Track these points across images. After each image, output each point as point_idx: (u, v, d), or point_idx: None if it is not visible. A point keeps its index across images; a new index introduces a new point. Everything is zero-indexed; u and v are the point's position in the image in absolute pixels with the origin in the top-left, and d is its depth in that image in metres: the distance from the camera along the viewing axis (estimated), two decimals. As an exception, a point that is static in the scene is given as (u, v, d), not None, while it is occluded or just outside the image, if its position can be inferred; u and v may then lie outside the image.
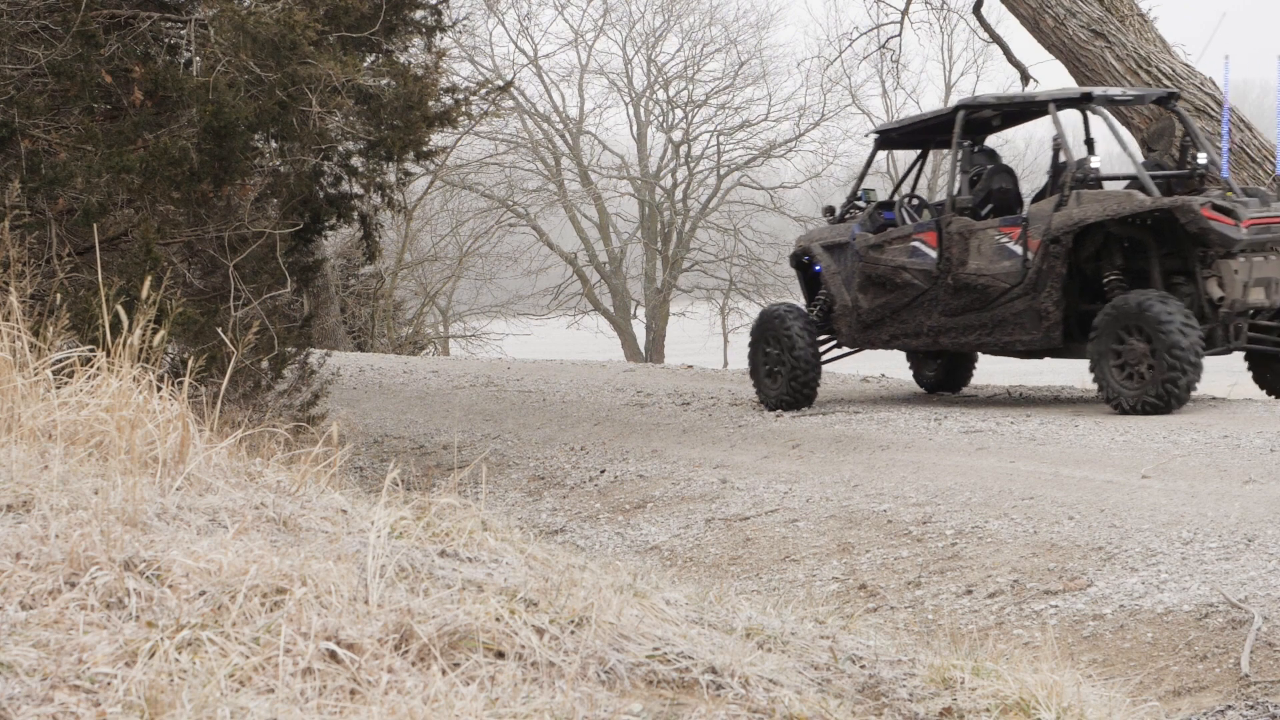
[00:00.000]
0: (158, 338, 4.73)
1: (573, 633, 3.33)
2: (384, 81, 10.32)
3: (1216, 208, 10.48)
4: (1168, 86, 10.55)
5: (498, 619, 3.27)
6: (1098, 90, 11.85)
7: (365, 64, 10.40)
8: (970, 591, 6.83)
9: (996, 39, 13.71)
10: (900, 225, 12.27)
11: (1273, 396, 11.55)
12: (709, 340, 35.91)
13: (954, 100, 13.07)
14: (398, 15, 10.95)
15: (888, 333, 12.30)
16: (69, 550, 3.29)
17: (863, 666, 3.65)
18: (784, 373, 12.36)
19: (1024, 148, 42.21)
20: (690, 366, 17.52)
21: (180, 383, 4.61)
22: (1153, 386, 10.43)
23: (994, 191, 12.13)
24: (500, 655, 3.20)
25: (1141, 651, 5.78)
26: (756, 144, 35.69)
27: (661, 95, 36.98)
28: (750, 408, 12.65)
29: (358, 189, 11.64)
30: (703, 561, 8.15)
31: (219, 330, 7.75)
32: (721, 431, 11.53)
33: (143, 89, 8.87)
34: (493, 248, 35.86)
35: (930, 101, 38.74)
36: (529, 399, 14.85)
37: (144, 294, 4.83)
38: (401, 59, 11.42)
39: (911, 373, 13.63)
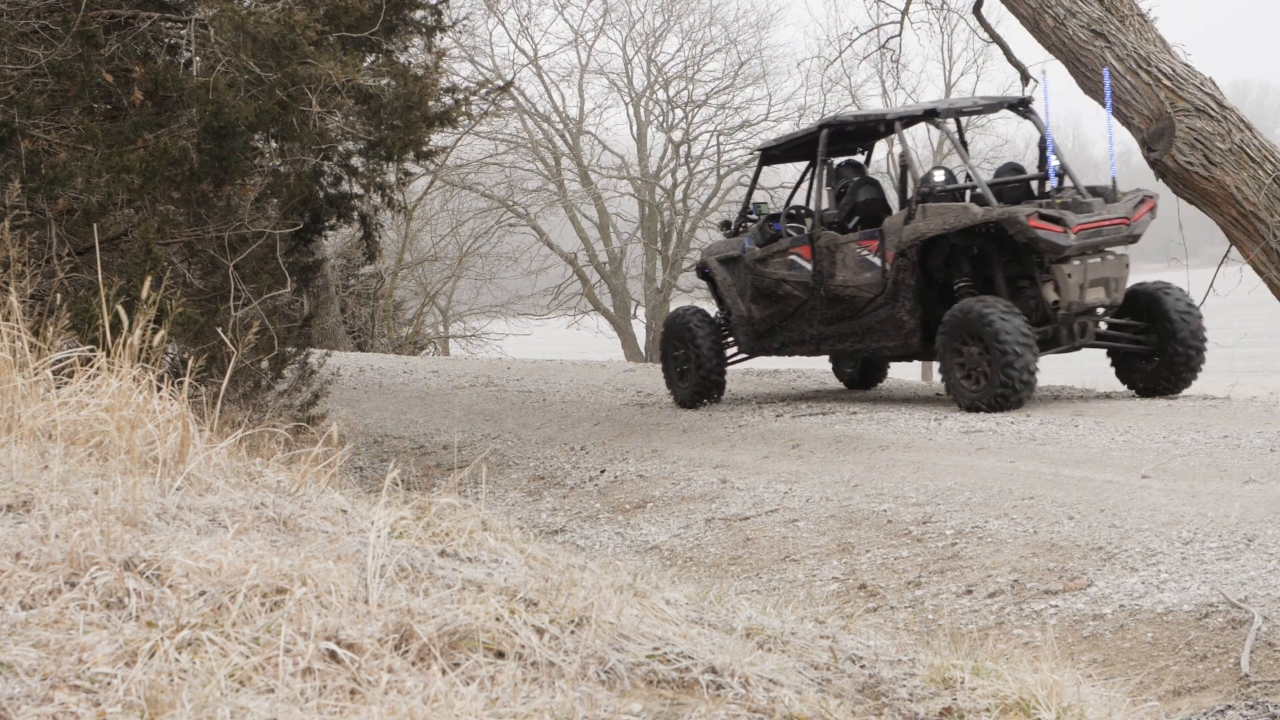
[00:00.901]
0: (158, 338, 4.73)
1: (573, 633, 3.33)
2: (384, 81, 10.33)
3: (1044, 216, 11.03)
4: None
5: (498, 619, 3.27)
6: (942, 104, 12.61)
7: (365, 64, 10.41)
8: (970, 591, 6.83)
9: (996, 39, 13.70)
10: (784, 238, 13.02)
11: (1133, 392, 12.09)
12: (709, 340, 35.78)
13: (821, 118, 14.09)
14: (398, 15, 10.96)
15: (778, 340, 13.08)
16: (69, 550, 3.29)
17: (863, 666, 3.65)
18: (691, 373, 13.27)
19: (1024, 148, 42.19)
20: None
21: (180, 383, 4.61)
22: (987, 393, 11.12)
23: (860, 204, 12.75)
24: (500, 655, 3.20)
25: (1141, 651, 5.78)
26: (757, 144, 35.64)
27: (661, 95, 36.95)
28: (750, 407, 12.65)
29: (358, 189, 11.66)
30: (703, 561, 8.15)
31: (219, 330, 7.75)
32: (721, 431, 11.53)
33: (143, 89, 8.87)
34: (493, 248, 35.85)
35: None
36: (529, 399, 14.85)
37: (144, 294, 4.83)
38: (401, 59, 11.43)
39: (833, 370, 14.49)
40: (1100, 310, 11.58)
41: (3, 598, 3.13)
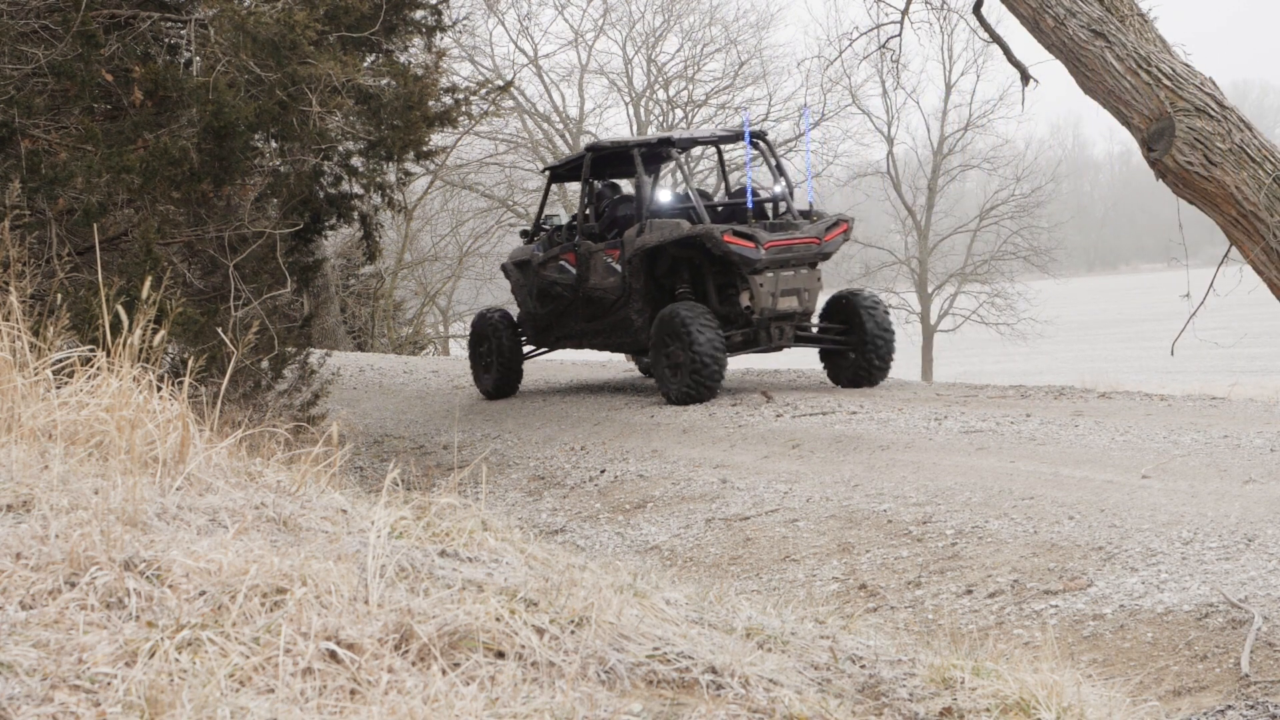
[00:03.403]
0: (158, 338, 4.72)
1: (573, 633, 3.33)
2: (384, 81, 10.33)
3: (737, 233, 12.78)
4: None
5: (498, 619, 3.27)
6: (677, 135, 14.67)
7: (365, 64, 10.41)
8: (970, 591, 6.83)
9: (996, 39, 13.73)
10: (558, 246, 14.83)
11: (837, 384, 13.76)
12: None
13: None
14: (398, 15, 10.96)
15: (554, 335, 14.92)
16: (69, 550, 3.29)
17: (863, 666, 3.65)
18: (494, 366, 15.06)
19: (1024, 147, 42.17)
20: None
21: (180, 383, 4.60)
22: (684, 384, 12.81)
23: (618, 218, 14.39)
24: (500, 655, 3.20)
25: (1141, 651, 5.78)
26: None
27: (661, 95, 36.91)
28: (750, 407, 12.65)
29: (358, 189, 11.66)
30: (703, 561, 8.15)
31: (219, 330, 7.75)
32: (721, 431, 11.53)
33: (143, 89, 8.87)
34: (493, 248, 35.78)
35: (931, 101, 38.81)
36: (529, 399, 14.86)
37: (144, 294, 4.82)
38: (401, 59, 11.43)
39: (634, 363, 16.10)
40: (795, 316, 13.24)
41: (3, 598, 3.13)
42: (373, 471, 11.01)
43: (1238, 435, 9.21)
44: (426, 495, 4.23)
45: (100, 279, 5.29)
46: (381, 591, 3.36)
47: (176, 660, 2.92)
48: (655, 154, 14.75)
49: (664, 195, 14.09)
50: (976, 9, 12.00)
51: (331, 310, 26.30)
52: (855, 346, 13.48)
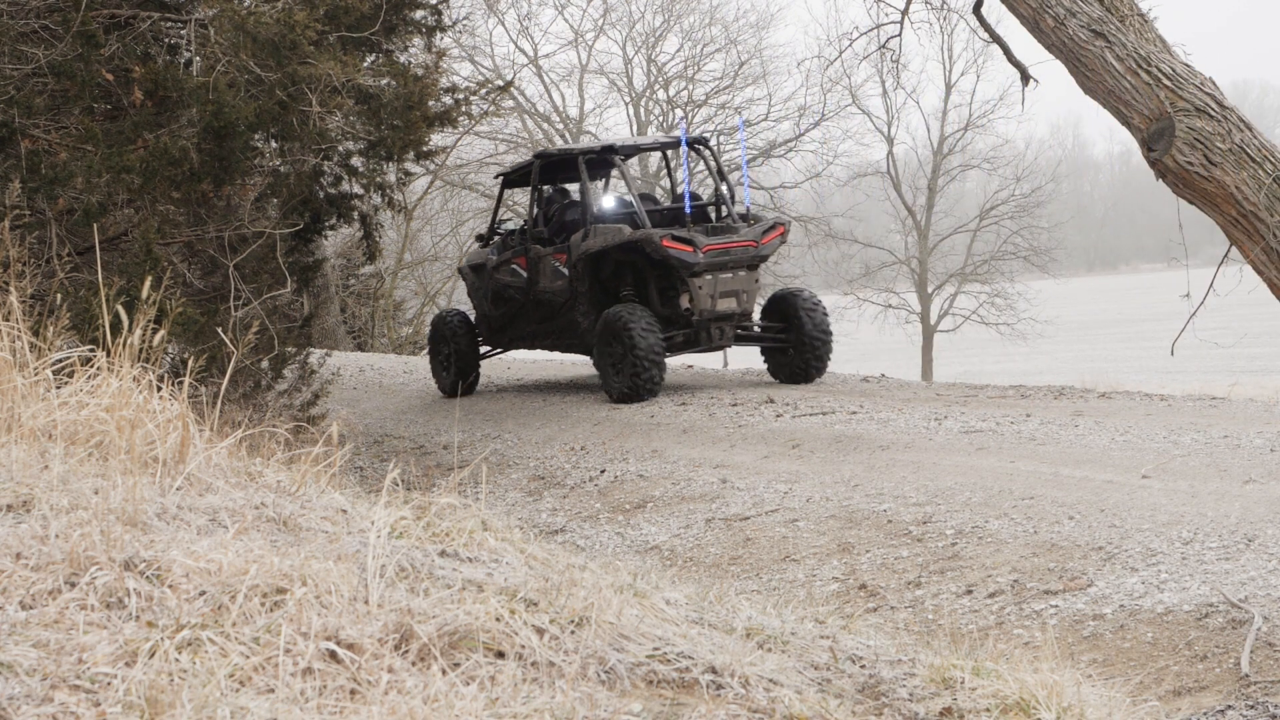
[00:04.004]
0: (158, 338, 4.72)
1: (573, 633, 3.33)
2: (384, 81, 10.33)
3: (676, 238, 13.23)
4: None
5: (498, 619, 3.27)
6: (619, 143, 15.13)
7: (365, 64, 10.41)
8: (970, 591, 6.83)
9: (996, 39, 13.73)
10: (511, 250, 15.28)
11: (778, 380, 14.20)
12: (708, 340, 35.78)
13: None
14: (398, 15, 10.96)
15: (508, 336, 15.42)
16: (69, 550, 3.29)
17: (863, 666, 3.65)
18: (452, 365, 15.62)
19: (1024, 147, 42.15)
20: (690, 366, 17.52)
21: (180, 383, 4.60)
22: (625, 383, 13.29)
23: (566, 223, 14.81)
24: (500, 655, 3.20)
25: (1141, 651, 5.78)
26: (756, 144, 35.60)
27: (661, 95, 36.90)
28: (750, 408, 12.66)
29: (358, 189, 11.66)
30: (703, 561, 8.15)
31: (219, 330, 7.75)
32: (721, 431, 11.52)
33: (143, 89, 8.87)
34: (493, 247, 35.73)
35: (931, 101, 38.90)
36: (529, 399, 14.86)
37: (144, 294, 4.82)
38: (401, 59, 11.43)
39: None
40: (734, 317, 13.67)
41: (3, 598, 3.12)
42: (373, 471, 11.00)
43: (1238, 435, 9.21)
44: (426, 495, 4.23)
45: (100, 279, 5.29)
46: (381, 591, 3.36)
47: (176, 660, 2.92)
48: (600, 161, 15.15)
49: (608, 201, 14.60)
50: (976, 9, 11.99)
51: (331, 310, 26.31)
52: (794, 344, 13.97)
